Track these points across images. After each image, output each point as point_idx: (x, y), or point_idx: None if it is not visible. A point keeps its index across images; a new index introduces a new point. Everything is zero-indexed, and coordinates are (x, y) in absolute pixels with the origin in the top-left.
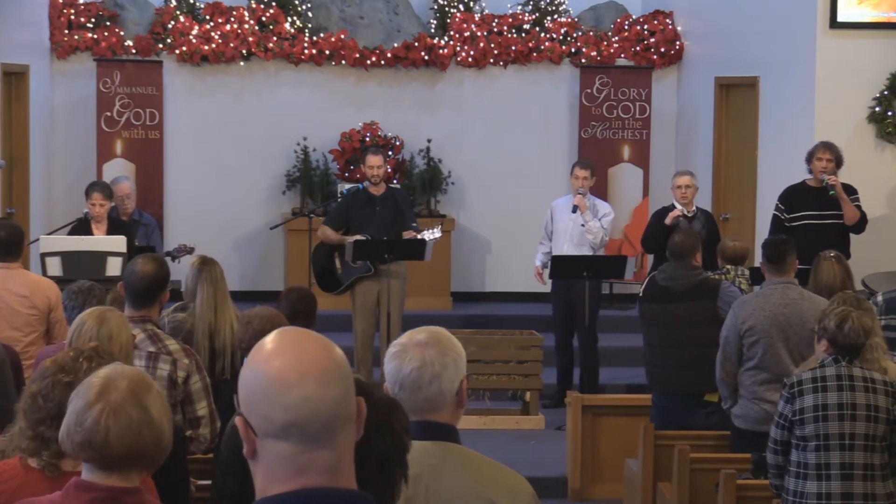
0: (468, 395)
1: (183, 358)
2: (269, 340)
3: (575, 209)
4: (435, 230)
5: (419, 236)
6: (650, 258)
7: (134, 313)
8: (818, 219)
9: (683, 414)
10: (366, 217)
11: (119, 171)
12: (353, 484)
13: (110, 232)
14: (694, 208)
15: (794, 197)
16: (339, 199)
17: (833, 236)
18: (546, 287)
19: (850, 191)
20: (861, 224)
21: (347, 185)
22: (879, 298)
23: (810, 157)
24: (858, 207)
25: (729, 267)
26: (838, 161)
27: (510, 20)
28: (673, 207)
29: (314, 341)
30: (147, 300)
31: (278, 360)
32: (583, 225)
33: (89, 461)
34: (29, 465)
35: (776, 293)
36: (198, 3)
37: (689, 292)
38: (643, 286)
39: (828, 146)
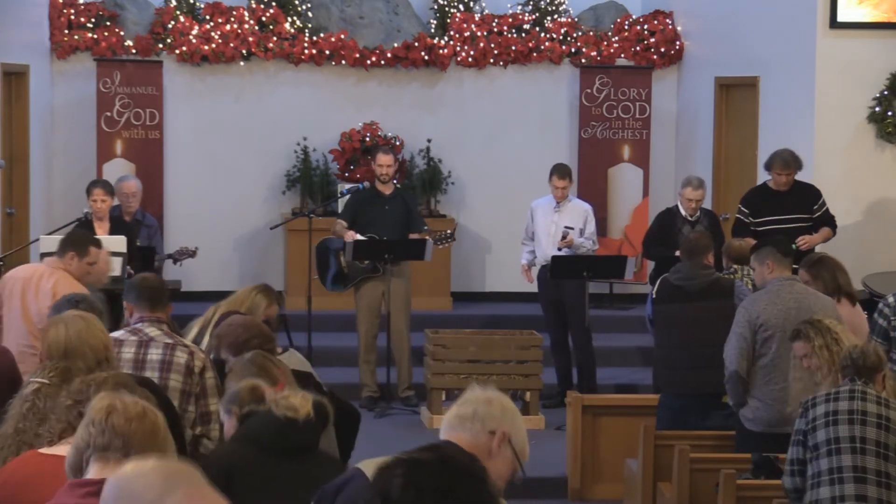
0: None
1: (199, 352)
2: None
3: (560, 249)
4: (446, 236)
5: (431, 241)
6: (650, 265)
7: (150, 314)
8: (784, 223)
9: (700, 415)
10: (375, 215)
11: (119, 171)
12: None
13: (112, 231)
14: (697, 212)
15: (757, 201)
16: (349, 198)
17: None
18: None
19: (816, 195)
20: (834, 230)
21: (347, 185)
22: (891, 300)
23: (768, 168)
24: (826, 212)
25: (736, 267)
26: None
27: (510, 20)
28: (676, 209)
29: None
30: (161, 301)
31: None
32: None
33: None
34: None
35: (784, 289)
36: (198, 3)
37: (705, 291)
38: (656, 288)
39: (786, 162)
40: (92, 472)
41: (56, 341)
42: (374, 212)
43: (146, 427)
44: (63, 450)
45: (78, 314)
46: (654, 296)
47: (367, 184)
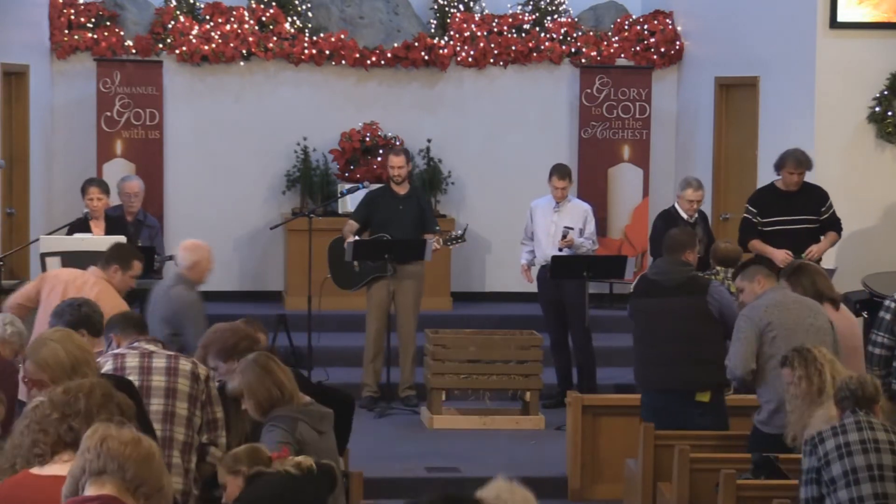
0: (468, 396)
1: (200, 363)
2: None
3: (561, 249)
4: (457, 236)
5: (440, 241)
6: (650, 259)
7: (146, 338)
8: (792, 223)
9: (676, 412)
10: (390, 215)
11: (119, 171)
12: None
13: (111, 231)
14: (696, 213)
15: (765, 201)
16: (362, 197)
17: (808, 240)
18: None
19: (824, 197)
20: (839, 233)
21: (347, 185)
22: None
23: (779, 168)
24: (832, 215)
25: (719, 268)
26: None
27: (510, 20)
28: (675, 211)
29: None
30: (147, 328)
31: None
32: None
33: None
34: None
35: (779, 294)
36: (198, 3)
37: (681, 287)
38: (634, 284)
39: (799, 161)
40: (89, 493)
41: (57, 360)
42: (388, 212)
43: (141, 452)
44: (57, 469)
45: (56, 330)
46: (631, 291)
47: (366, 183)
